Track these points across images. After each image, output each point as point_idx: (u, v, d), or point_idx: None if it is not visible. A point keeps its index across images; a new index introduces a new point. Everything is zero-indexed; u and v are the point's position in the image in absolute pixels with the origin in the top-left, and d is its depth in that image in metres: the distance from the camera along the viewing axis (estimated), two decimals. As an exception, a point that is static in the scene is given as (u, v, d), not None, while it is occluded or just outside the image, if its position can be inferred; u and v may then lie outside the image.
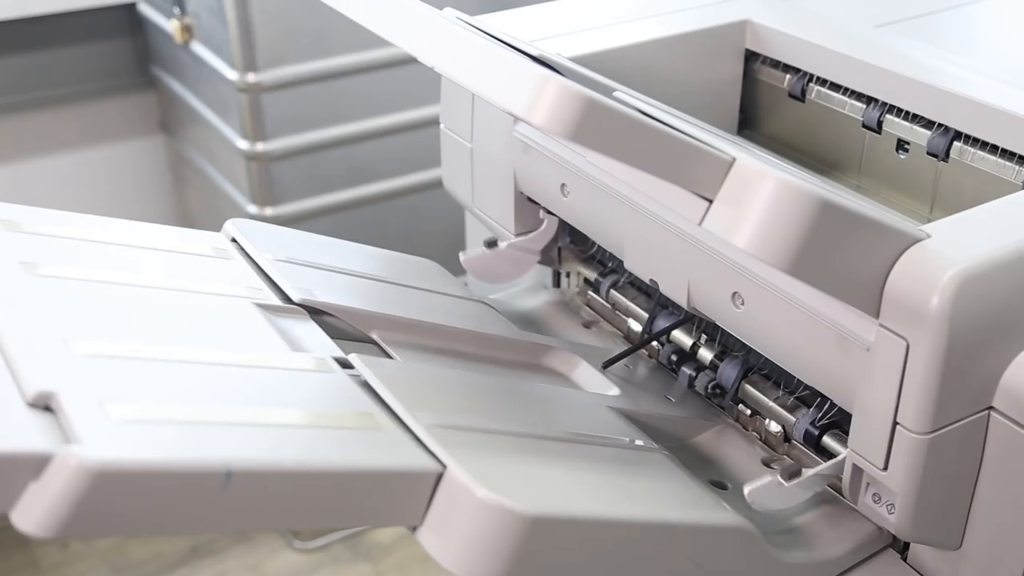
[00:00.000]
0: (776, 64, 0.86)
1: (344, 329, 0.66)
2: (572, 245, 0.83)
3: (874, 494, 0.59)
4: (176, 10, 1.56)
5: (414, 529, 0.52)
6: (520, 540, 0.49)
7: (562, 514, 0.51)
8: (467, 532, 0.49)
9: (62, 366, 0.50)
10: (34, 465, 0.44)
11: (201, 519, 0.46)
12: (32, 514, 0.44)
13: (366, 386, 0.57)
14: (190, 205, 1.83)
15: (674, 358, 0.74)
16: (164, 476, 0.45)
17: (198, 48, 1.55)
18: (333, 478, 0.48)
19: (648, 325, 0.76)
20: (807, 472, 0.61)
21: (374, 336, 0.66)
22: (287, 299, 0.65)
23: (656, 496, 0.58)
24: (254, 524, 0.48)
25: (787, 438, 0.68)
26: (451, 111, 0.85)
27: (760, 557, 0.59)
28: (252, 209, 1.54)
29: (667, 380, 0.75)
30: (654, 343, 0.76)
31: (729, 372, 0.70)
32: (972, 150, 0.73)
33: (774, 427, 0.68)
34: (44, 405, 0.48)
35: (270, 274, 0.67)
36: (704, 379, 0.72)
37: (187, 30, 1.56)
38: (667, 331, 0.74)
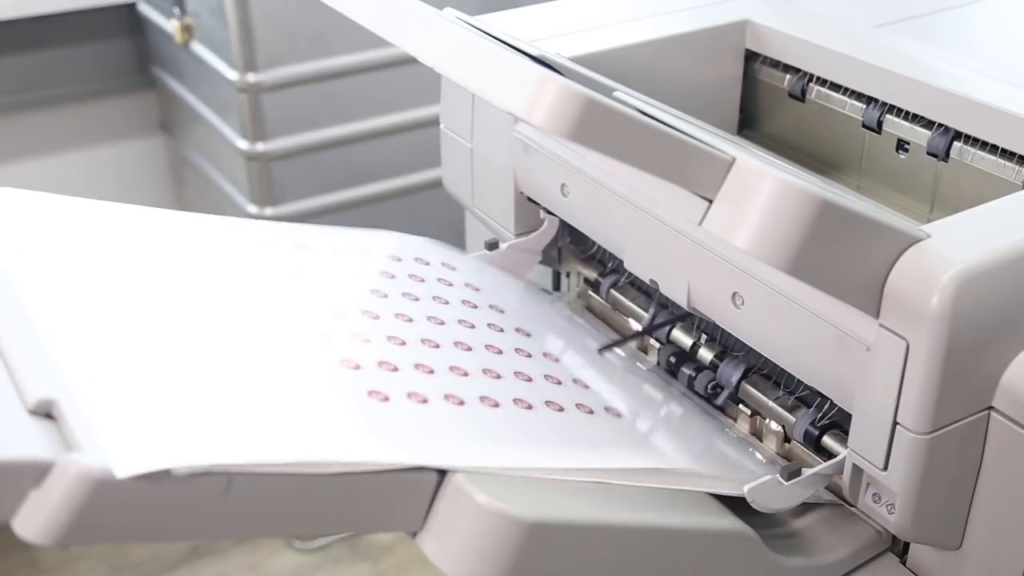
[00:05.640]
0: (776, 64, 0.86)
1: None
2: (572, 245, 0.83)
3: (874, 494, 0.59)
4: (176, 10, 1.56)
5: (414, 534, 0.51)
6: (519, 546, 0.49)
7: (561, 520, 0.51)
8: (467, 537, 0.49)
9: (63, 373, 0.50)
10: (35, 473, 0.44)
11: (202, 526, 0.46)
12: (33, 522, 0.44)
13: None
14: (190, 205, 1.83)
15: (673, 359, 0.74)
16: (164, 484, 0.45)
17: (198, 48, 1.55)
18: (334, 483, 0.48)
19: (649, 324, 0.76)
20: (806, 471, 0.61)
21: None
22: None
23: (656, 501, 0.57)
24: (255, 531, 0.48)
25: (787, 438, 0.67)
26: (451, 111, 0.85)
27: (760, 562, 0.59)
28: (252, 209, 1.54)
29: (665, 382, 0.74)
30: (655, 343, 0.76)
31: (729, 372, 0.70)
32: (972, 150, 0.73)
33: (774, 427, 0.68)
34: (45, 412, 0.48)
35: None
36: (704, 379, 0.72)
37: (187, 30, 1.56)
38: (668, 323, 0.74)
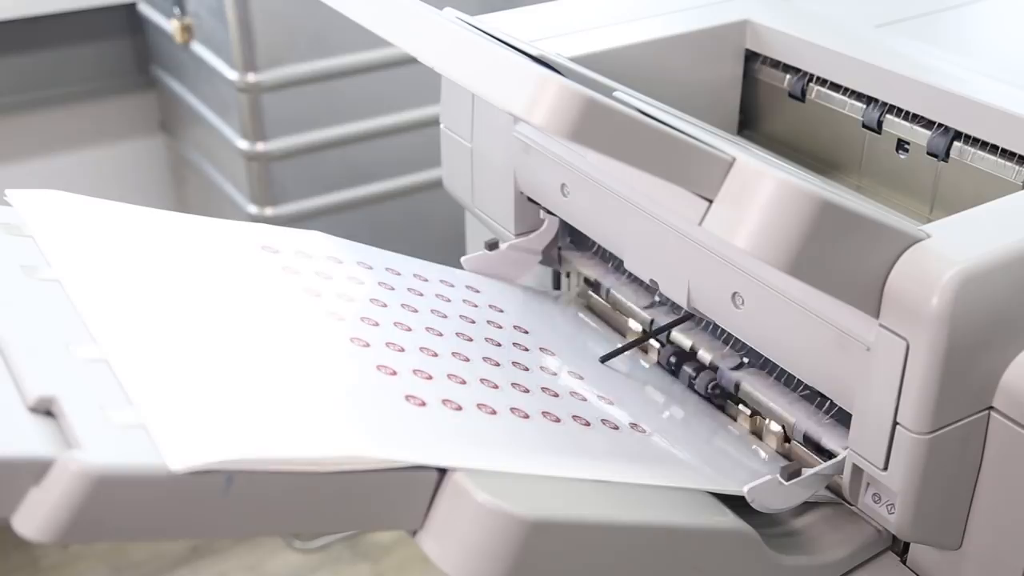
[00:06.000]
0: (776, 64, 0.86)
1: None
2: (572, 245, 0.83)
3: (874, 494, 0.59)
4: (176, 10, 1.56)
5: (414, 533, 0.52)
6: (520, 545, 0.49)
7: (562, 518, 0.51)
8: (467, 536, 0.49)
9: (63, 371, 0.50)
10: (35, 470, 0.44)
11: (201, 524, 0.46)
12: (33, 519, 0.44)
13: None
14: (190, 205, 1.83)
15: (673, 359, 0.74)
16: (165, 481, 0.45)
17: (198, 48, 1.55)
18: (333, 481, 0.48)
19: (649, 324, 0.76)
20: (806, 472, 0.61)
21: None
22: None
23: (656, 500, 0.58)
24: (255, 529, 0.48)
25: (787, 438, 0.68)
26: (451, 111, 0.85)
27: (760, 560, 0.59)
28: (252, 209, 1.54)
29: (665, 382, 0.74)
30: (655, 343, 0.76)
31: (729, 372, 0.70)
32: (972, 150, 0.73)
33: (774, 427, 0.68)
34: (45, 410, 0.47)
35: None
36: (704, 379, 0.72)
37: (187, 30, 1.56)
38: (667, 328, 0.74)
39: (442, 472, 0.51)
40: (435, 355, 0.64)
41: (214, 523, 0.47)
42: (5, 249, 0.60)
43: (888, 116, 0.78)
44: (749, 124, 0.90)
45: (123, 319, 0.56)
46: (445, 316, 0.70)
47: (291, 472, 0.48)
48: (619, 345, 0.76)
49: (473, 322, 0.71)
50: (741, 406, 0.70)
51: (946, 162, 0.75)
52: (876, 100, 0.78)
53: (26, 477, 0.44)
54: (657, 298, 0.75)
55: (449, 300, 0.73)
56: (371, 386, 0.57)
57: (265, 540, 1.64)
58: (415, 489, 0.51)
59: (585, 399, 0.67)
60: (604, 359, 0.74)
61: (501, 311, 0.75)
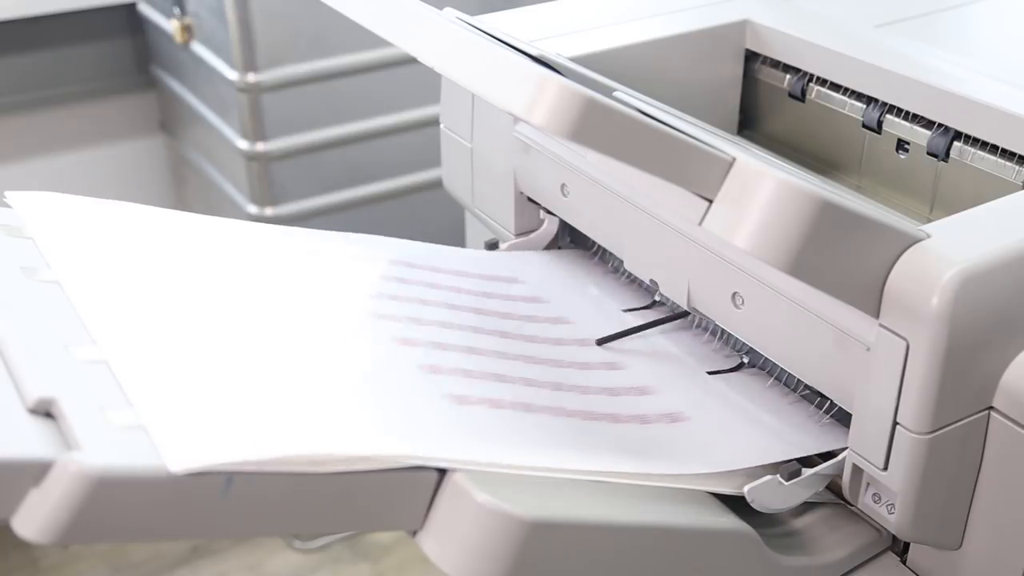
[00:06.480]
0: (776, 64, 0.86)
1: None
2: (572, 245, 0.83)
3: (874, 494, 0.59)
4: (176, 10, 1.56)
5: (414, 533, 0.52)
6: (519, 545, 0.49)
7: (561, 518, 0.51)
8: (467, 536, 0.49)
9: (63, 372, 0.50)
10: (35, 472, 0.44)
11: (201, 525, 0.46)
12: (33, 521, 0.44)
13: None
14: (190, 205, 1.83)
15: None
16: (164, 483, 0.45)
17: (198, 48, 1.55)
18: (333, 482, 0.48)
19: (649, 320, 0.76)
20: (807, 472, 0.61)
21: None
22: None
23: (656, 500, 0.58)
24: (254, 530, 0.48)
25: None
26: (451, 111, 0.85)
27: (760, 561, 0.59)
28: (252, 209, 1.54)
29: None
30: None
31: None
32: (972, 150, 0.73)
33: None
34: (45, 411, 0.48)
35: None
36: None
37: (187, 30, 1.56)
38: (667, 320, 0.74)
39: (442, 472, 0.51)
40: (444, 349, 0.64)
41: (214, 524, 0.47)
42: (5, 251, 0.60)
43: (888, 116, 0.78)
44: (749, 124, 0.90)
45: (123, 320, 0.55)
46: (454, 307, 0.70)
47: (290, 473, 0.48)
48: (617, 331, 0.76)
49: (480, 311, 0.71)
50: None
51: (946, 162, 0.75)
52: (876, 100, 0.78)
53: (26, 478, 0.44)
54: (657, 298, 0.75)
55: (460, 291, 0.73)
56: (371, 385, 0.57)
57: (265, 540, 1.64)
58: (415, 489, 0.51)
59: (586, 386, 0.67)
60: (601, 342, 0.73)
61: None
